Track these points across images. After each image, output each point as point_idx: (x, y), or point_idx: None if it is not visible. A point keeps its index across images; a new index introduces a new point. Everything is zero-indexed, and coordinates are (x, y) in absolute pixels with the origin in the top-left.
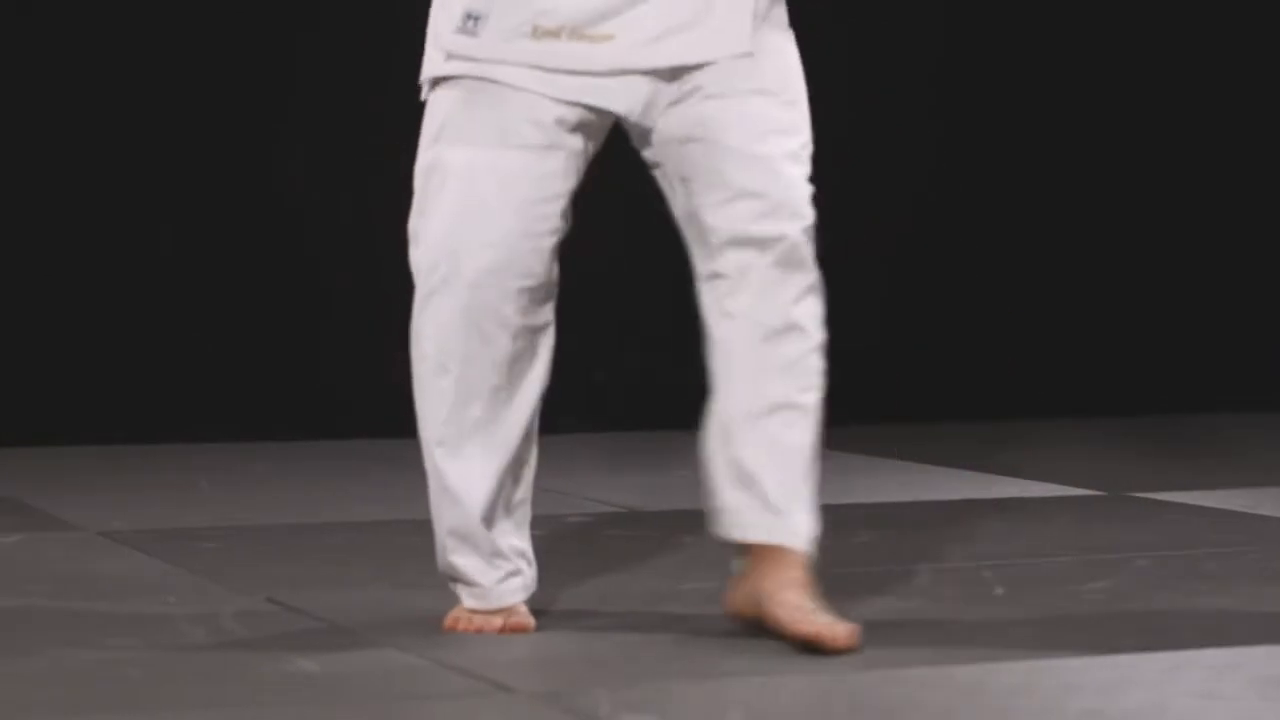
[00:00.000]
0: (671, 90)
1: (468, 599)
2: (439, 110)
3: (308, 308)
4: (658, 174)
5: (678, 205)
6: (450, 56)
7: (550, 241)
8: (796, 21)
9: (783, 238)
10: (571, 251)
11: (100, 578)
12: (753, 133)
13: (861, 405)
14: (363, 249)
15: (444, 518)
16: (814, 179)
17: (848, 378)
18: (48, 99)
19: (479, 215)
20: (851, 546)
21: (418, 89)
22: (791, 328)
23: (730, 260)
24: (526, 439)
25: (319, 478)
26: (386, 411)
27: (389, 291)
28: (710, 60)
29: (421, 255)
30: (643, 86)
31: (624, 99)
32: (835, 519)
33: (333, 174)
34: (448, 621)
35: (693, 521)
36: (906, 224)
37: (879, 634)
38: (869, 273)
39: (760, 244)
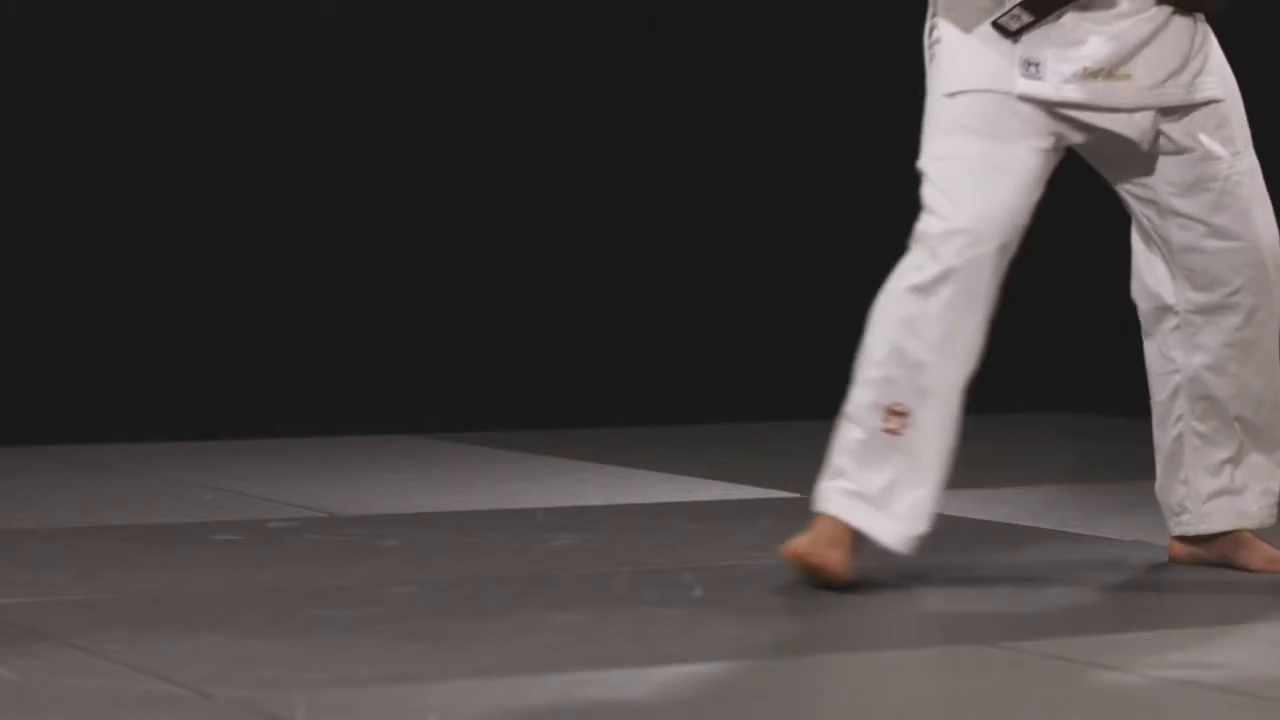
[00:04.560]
0: (1178, 127)
1: None
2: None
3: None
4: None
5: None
6: (1023, 98)
7: None
8: None
9: None
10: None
11: None
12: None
13: (565, 410)
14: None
15: None
16: None
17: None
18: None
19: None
20: (551, 549)
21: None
22: None
23: None
24: None
25: (55, 483)
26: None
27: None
28: (1206, 100)
29: None
30: (1150, 120)
31: (1137, 129)
32: (536, 522)
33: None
34: None
35: (393, 526)
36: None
37: (578, 635)
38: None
39: None
